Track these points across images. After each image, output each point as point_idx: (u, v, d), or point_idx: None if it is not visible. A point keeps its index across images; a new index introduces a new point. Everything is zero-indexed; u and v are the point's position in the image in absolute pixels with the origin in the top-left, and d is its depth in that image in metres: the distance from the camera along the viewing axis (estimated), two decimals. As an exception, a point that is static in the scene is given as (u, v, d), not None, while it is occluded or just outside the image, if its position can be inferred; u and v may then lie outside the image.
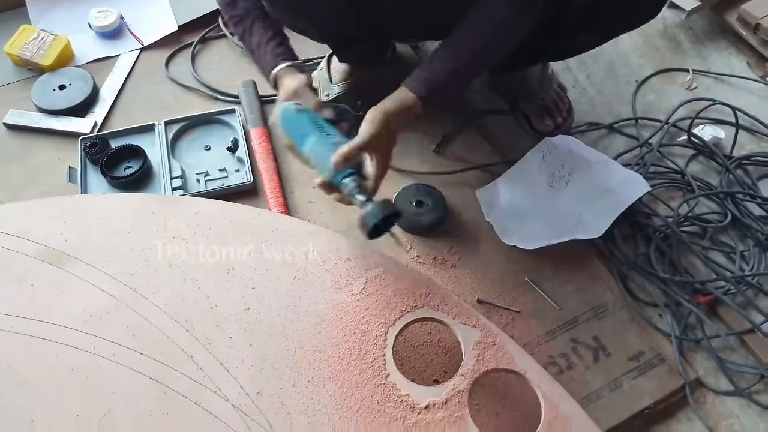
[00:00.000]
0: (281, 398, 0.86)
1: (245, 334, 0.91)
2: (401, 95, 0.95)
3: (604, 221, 1.09)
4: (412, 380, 0.88)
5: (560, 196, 1.15)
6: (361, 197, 0.89)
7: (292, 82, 0.98)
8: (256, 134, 1.29)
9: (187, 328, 0.91)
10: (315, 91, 0.98)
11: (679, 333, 1.03)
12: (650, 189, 1.13)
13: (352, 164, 0.90)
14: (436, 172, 1.22)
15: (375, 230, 0.90)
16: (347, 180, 0.91)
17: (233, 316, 0.93)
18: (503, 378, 0.89)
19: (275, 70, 1.00)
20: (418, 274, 1.00)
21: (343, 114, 0.98)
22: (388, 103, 0.94)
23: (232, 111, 1.32)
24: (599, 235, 1.09)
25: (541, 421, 0.85)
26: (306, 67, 0.99)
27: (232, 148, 1.26)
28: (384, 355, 0.90)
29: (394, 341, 0.92)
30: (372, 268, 0.98)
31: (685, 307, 1.05)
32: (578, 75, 1.44)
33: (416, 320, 0.94)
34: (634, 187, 1.13)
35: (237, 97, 1.36)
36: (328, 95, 1.32)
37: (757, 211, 1.19)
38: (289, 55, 1.03)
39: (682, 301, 1.06)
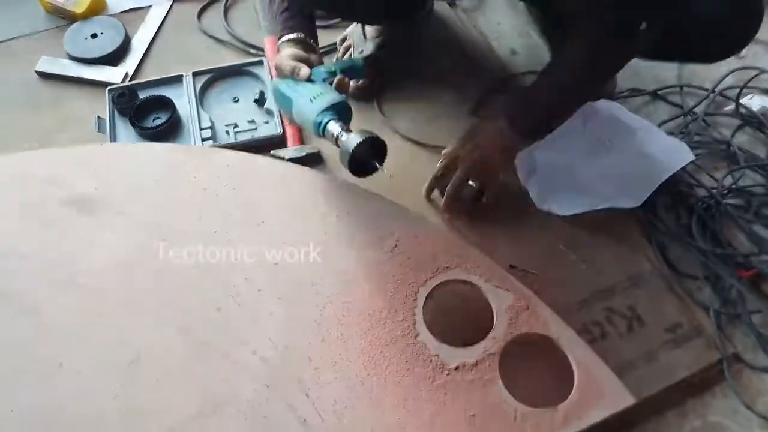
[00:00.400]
0: (309, 353, 0.85)
1: (274, 287, 0.90)
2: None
3: (645, 190, 1.05)
4: (442, 342, 0.87)
5: (600, 162, 1.11)
6: (344, 134, 0.89)
7: (278, 57, 0.99)
8: (270, 43, 1.22)
9: (216, 279, 0.90)
10: (310, 53, 1.00)
11: (718, 306, 1.00)
12: (694, 158, 1.09)
13: (334, 116, 0.91)
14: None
15: (359, 165, 0.90)
16: (330, 124, 0.90)
17: (263, 269, 0.92)
18: (535, 343, 0.87)
19: (278, 43, 1.03)
20: (451, 235, 0.98)
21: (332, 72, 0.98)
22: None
23: (260, 62, 1.29)
24: (639, 204, 1.05)
25: (574, 388, 0.83)
26: (307, 38, 1.02)
27: (259, 101, 1.23)
28: (414, 314, 0.89)
29: (425, 301, 0.90)
30: (404, 227, 0.96)
31: (726, 281, 1.01)
32: (622, 39, 1.38)
33: (448, 281, 0.92)
34: (678, 155, 1.08)
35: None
36: (361, 52, 1.29)
37: (806, 185, 1.14)
38: (298, 25, 1.03)
39: (723, 274, 1.02)
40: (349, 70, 1.01)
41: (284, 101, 0.96)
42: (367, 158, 0.90)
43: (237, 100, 1.26)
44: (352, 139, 0.87)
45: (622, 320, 0.98)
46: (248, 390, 0.82)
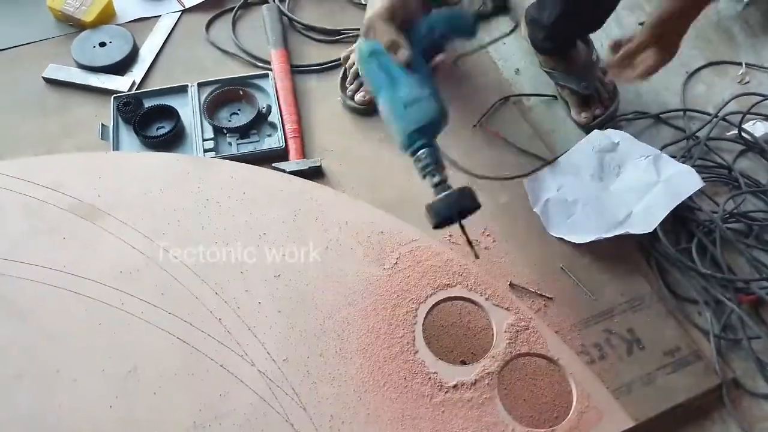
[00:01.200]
0: (307, 367, 0.85)
1: (274, 300, 0.90)
2: None
3: (655, 216, 1.05)
4: (441, 359, 0.87)
5: (610, 189, 1.11)
6: (434, 179, 0.80)
7: (372, 11, 0.82)
8: (276, 56, 1.34)
9: (217, 290, 0.90)
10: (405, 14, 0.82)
11: (718, 331, 1.00)
12: (704, 184, 1.08)
13: (428, 137, 0.81)
14: (483, 176, 1.16)
15: (444, 221, 0.81)
16: (422, 153, 0.80)
17: (263, 281, 0.92)
18: (535, 363, 0.87)
19: None
20: (453, 252, 0.98)
21: (435, 42, 0.83)
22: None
23: (266, 75, 1.30)
24: (651, 230, 1.04)
25: (572, 410, 0.83)
26: None
27: (265, 114, 1.24)
28: (413, 331, 0.88)
29: (424, 318, 0.90)
30: (406, 243, 0.96)
31: (726, 306, 1.02)
32: (626, 62, 1.39)
33: (448, 299, 0.92)
34: (688, 181, 1.08)
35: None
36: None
37: (807, 211, 1.14)
38: None
39: (723, 299, 1.02)
40: (450, 25, 0.84)
41: (373, 83, 0.83)
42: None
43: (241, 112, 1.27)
44: (447, 202, 0.78)
45: (621, 342, 0.98)
46: (245, 403, 0.82)
